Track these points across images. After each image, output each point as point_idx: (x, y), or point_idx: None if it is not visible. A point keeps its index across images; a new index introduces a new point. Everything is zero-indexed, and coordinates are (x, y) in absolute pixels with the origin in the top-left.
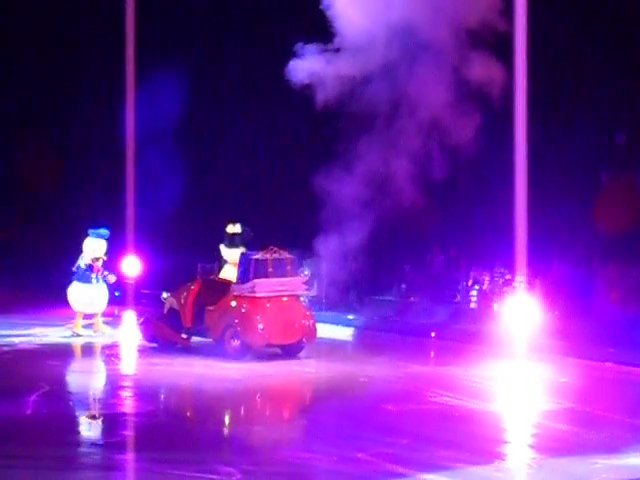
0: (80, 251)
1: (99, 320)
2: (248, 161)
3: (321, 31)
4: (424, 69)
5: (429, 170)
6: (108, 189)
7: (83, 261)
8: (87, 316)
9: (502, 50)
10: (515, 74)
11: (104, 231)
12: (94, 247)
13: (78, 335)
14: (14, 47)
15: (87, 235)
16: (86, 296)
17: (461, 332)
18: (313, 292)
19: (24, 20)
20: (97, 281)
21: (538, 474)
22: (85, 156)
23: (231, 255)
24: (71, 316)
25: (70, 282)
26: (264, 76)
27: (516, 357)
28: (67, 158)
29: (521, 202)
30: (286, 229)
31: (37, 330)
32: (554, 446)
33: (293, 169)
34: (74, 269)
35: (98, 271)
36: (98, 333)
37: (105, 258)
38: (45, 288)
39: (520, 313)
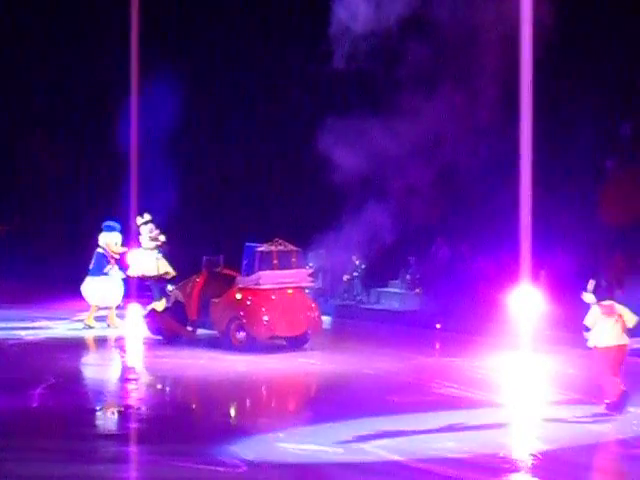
0: (91, 246)
1: (113, 313)
2: (253, 154)
3: None
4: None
5: (437, 157)
6: (113, 182)
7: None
8: (101, 309)
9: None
10: (521, 61)
11: (116, 224)
12: (115, 240)
13: (90, 327)
14: (26, 45)
15: (101, 230)
16: (101, 289)
17: (466, 323)
18: (318, 284)
19: (32, 20)
20: (110, 274)
21: (544, 465)
22: (90, 150)
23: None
24: (78, 309)
25: (84, 278)
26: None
27: (522, 348)
28: (73, 153)
29: (526, 193)
30: (291, 221)
31: (43, 323)
32: (560, 437)
33: (297, 160)
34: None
35: (113, 264)
36: (112, 326)
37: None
38: (51, 281)
39: (526, 304)
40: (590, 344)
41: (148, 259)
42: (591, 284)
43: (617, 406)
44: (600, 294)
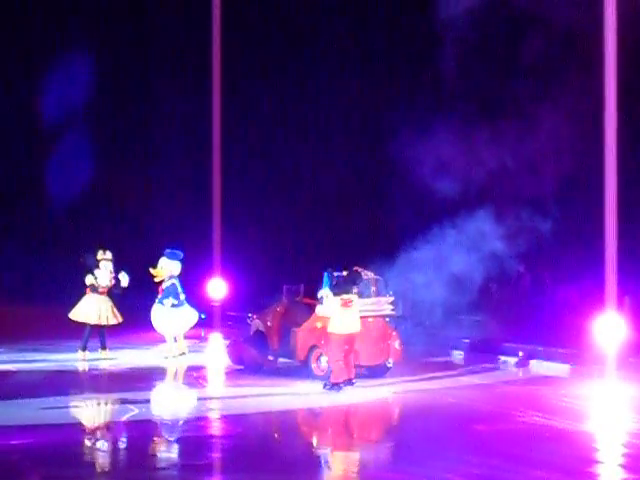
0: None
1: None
2: (333, 177)
3: None
4: None
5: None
6: (195, 212)
7: (169, 282)
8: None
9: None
10: (605, 69)
11: (179, 252)
12: (171, 268)
13: (183, 353)
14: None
15: (163, 255)
16: (178, 319)
17: (549, 351)
18: (399, 312)
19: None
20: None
21: None
22: (172, 174)
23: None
24: (156, 339)
25: (153, 304)
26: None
27: (606, 376)
28: (154, 177)
29: (611, 216)
30: (370, 248)
31: (125, 353)
32: None
33: (377, 182)
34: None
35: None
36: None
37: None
38: (132, 311)
39: (610, 331)
40: (328, 330)
41: (96, 303)
42: (333, 281)
43: (336, 387)
44: (337, 288)
